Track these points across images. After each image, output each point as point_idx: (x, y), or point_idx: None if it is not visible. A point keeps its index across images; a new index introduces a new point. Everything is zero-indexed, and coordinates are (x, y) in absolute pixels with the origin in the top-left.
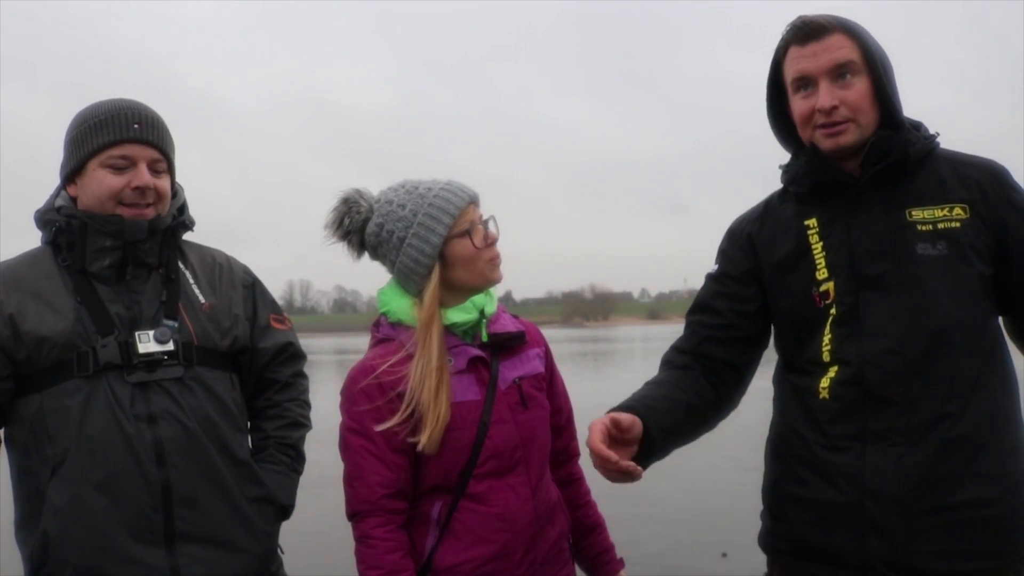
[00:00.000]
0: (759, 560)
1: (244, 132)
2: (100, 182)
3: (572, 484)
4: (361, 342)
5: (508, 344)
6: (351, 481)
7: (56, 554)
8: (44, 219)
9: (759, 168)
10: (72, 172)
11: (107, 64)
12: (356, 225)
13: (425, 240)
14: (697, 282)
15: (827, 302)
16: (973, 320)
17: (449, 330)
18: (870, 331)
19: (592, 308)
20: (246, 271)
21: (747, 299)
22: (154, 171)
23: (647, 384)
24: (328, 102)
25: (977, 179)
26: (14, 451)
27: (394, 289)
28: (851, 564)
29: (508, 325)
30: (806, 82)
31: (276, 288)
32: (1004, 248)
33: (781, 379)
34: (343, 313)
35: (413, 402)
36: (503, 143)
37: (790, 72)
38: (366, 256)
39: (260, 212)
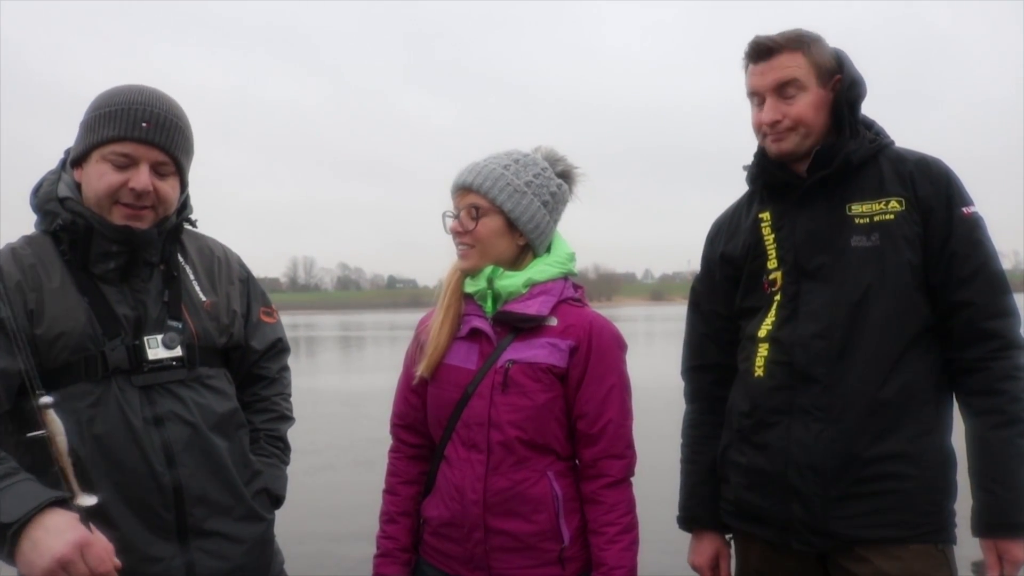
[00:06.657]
0: None
1: None
2: (99, 177)
3: (592, 506)
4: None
5: (517, 325)
6: None
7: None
8: (44, 209)
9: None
10: (78, 157)
11: None
12: None
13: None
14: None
15: (774, 289)
16: (899, 307)
17: (471, 299)
18: (804, 316)
19: (596, 289)
20: (241, 264)
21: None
22: (158, 174)
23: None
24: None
25: (911, 172)
26: (18, 449)
27: None
28: (777, 525)
29: (529, 308)
30: (757, 97)
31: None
32: (925, 237)
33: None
34: (347, 291)
35: (425, 335)
36: None
37: (746, 87)
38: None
39: None
